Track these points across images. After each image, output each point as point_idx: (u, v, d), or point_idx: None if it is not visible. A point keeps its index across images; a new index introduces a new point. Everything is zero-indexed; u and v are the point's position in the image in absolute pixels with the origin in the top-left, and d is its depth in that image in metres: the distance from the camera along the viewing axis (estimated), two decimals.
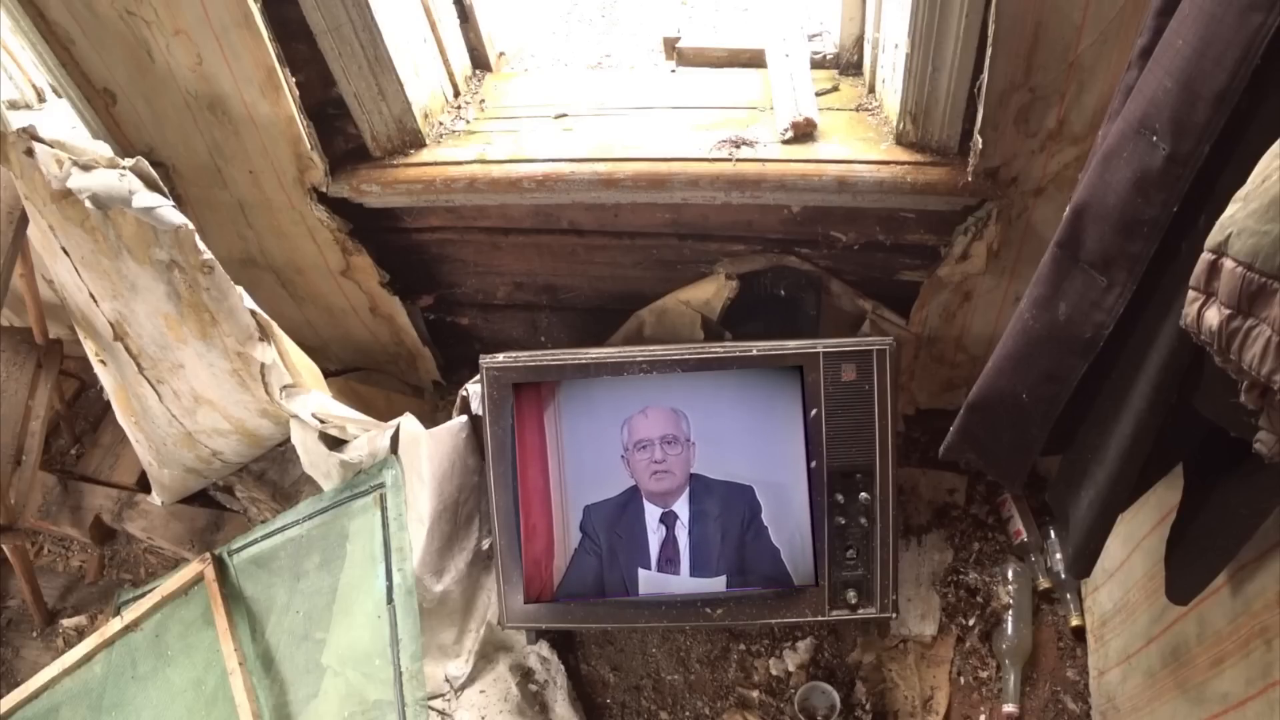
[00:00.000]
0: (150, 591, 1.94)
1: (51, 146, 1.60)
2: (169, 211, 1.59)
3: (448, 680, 1.88)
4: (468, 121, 1.85)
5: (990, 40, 1.34)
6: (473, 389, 1.79)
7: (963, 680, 1.88)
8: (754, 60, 1.86)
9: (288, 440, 1.96)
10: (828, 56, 1.80)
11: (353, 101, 1.71)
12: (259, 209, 1.95)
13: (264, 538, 1.88)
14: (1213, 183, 0.85)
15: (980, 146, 1.47)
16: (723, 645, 1.96)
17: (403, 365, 2.39)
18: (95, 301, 1.83)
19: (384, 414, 1.81)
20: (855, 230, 1.76)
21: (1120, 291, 0.98)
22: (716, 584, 1.71)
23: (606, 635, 2.00)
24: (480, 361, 1.70)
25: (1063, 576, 1.92)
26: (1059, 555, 1.94)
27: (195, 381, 1.91)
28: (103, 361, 2.00)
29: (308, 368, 1.90)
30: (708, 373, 1.65)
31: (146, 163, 1.60)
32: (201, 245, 1.63)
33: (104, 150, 1.62)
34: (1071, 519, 1.27)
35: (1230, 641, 1.22)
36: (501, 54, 2.01)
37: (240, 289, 1.71)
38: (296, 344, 1.87)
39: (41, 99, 2.16)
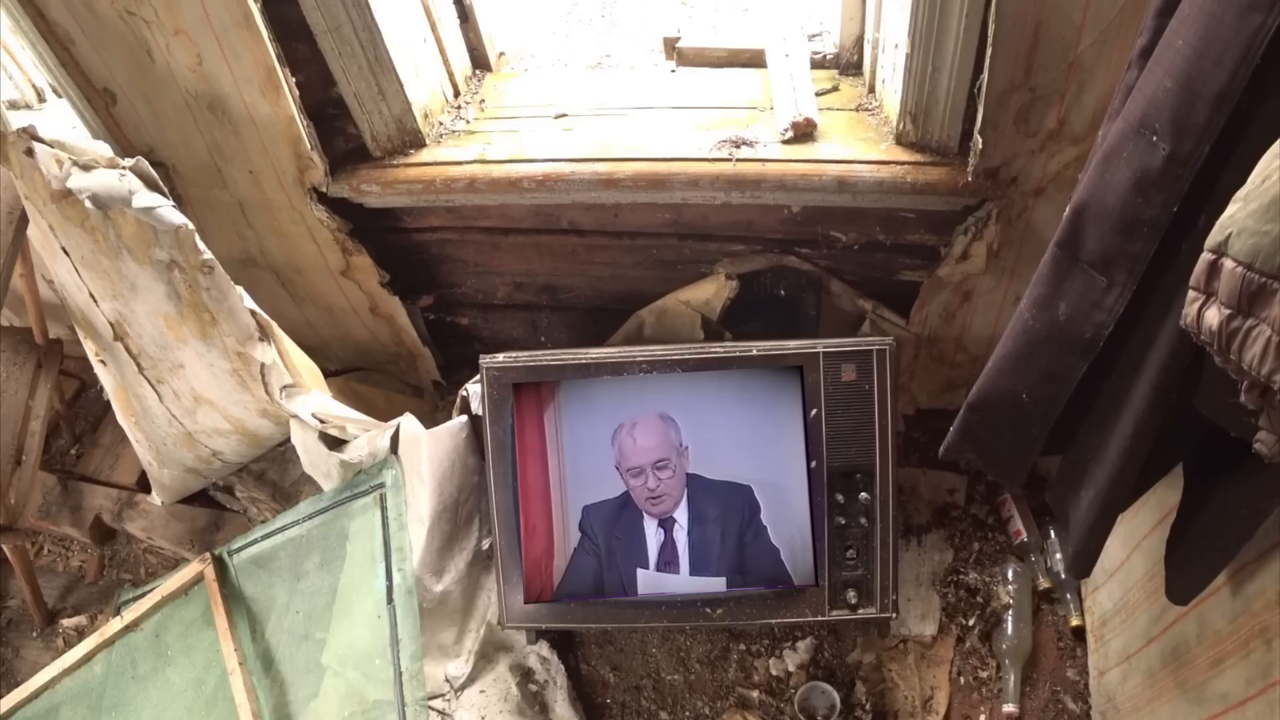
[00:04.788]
0: (150, 591, 1.94)
1: (51, 146, 1.60)
2: (169, 211, 1.59)
3: (448, 680, 1.88)
4: (468, 121, 1.85)
5: (990, 40, 1.34)
6: (473, 389, 1.79)
7: (963, 680, 1.88)
8: (754, 60, 1.86)
9: (288, 440, 1.96)
10: (828, 56, 1.80)
11: (353, 101, 1.71)
12: (259, 209, 1.95)
13: (264, 538, 1.88)
14: (1213, 183, 0.85)
15: (980, 146, 1.47)
16: (723, 645, 1.96)
17: (403, 365, 2.39)
18: (95, 301, 1.83)
19: (384, 414, 1.81)
20: (855, 230, 1.76)
21: (1120, 291, 0.98)
22: (716, 584, 1.71)
23: (606, 635, 2.00)
24: (480, 361, 1.70)
25: (1063, 576, 1.92)
26: (1059, 555, 1.94)
27: (195, 381, 1.91)
28: (103, 361, 2.00)
29: (308, 368, 1.90)
30: (708, 373, 1.65)
31: (146, 163, 1.60)
32: (201, 245, 1.63)
33: (104, 150, 1.62)
34: (1071, 519, 1.27)
35: (1230, 641, 1.22)
36: (501, 54, 2.01)
37: (240, 289, 1.71)
38: (296, 344, 1.87)
39: (41, 99, 2.16)
